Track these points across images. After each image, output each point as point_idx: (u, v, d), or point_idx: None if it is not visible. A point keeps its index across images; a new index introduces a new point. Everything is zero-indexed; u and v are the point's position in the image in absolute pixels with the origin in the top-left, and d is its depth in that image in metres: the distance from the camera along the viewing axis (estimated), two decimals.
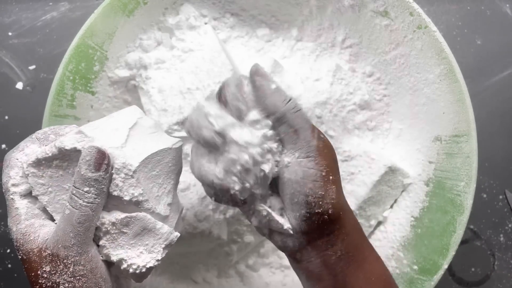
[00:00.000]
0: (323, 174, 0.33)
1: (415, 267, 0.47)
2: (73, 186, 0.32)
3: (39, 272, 0.32)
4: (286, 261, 0.52)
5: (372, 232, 0.51)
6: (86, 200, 0.32)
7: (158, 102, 0.46)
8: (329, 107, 0.48)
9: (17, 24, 0.58)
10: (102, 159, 0.32)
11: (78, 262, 0.32)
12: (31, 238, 0.33)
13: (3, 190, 0.34)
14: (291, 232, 0.34)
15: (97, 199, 0.32)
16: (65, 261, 0.32)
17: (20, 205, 0.34)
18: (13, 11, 0.59)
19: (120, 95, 0.50)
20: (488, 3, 0.60)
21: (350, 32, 0.50)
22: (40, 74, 0.57)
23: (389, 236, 0.50)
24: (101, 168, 0.32)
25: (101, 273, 0.33)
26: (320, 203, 0.33)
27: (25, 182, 0.34)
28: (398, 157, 0.50)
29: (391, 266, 0.48)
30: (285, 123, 0.33)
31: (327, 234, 0.34)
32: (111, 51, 0.48)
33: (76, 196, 0.32)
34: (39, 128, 0.45)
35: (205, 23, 0.49)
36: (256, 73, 0.34)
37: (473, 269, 0.56)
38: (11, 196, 0.34)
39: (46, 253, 0.32)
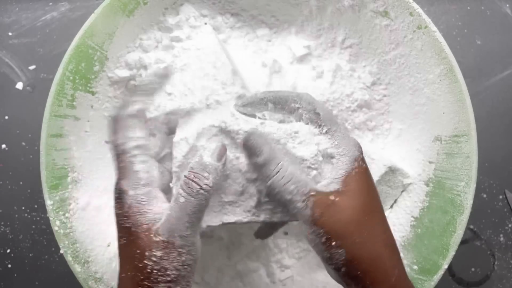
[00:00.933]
0: (322, 240, 0.33)
1: (415, 267, 0.47)
2: (190, 171, 0.33)
3: (146, 253, 0.32)
4: (286, 261, 0.52)
5: None
6: (203, 184, 0.32)
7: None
8: (328, 107, 0.48)
9: (17, 24, 0.58)
10: (224, 152, 0.35)
11: (190, 252, 0.33)
12: (144, 210, 0.33)
13: (118, 151, 0.34)
14: None
15: (212, 188, 0.33)
16: (180, 250, 0.32)
17: (140, 169, 0.34)
18: (13, 11, 0.59)
19: (120, 95, 0.50)
20: (488, 3, 0.60)
21: (350, 32, 0.50)
22: (40, 74, 0.57)
23: None
24: (222, 159, 0.34)
25: (198, 262, 0.34)
26: (332, 262, 0.33)
27: (146, 144, 0.35)
28: (398, 157, 0.50)
29: None
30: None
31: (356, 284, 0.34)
32: (111, 51, 0.48)
33: (194, 181, 0.32)
34: (39, 128, 0.45)
35: (205, 23, 0.49)
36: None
37: (473, 269, 0.56)
38: (131, 159, 0.34)
39: (158, 239, 0.32)
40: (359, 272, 0.33)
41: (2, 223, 0.56)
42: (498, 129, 0.58)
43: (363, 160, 0.37)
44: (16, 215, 0.56)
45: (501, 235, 0.56)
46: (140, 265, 0.32)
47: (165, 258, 0.32)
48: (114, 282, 0.46)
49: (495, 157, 0.57)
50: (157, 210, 0.33)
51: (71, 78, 0.46)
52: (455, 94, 0.45)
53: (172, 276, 0.32)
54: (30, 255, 0.56)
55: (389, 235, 0.35)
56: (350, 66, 0.51)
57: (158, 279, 0.32)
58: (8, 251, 0.56)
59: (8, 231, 0.56)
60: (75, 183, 0.47)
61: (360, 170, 0.36)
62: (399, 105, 0.51)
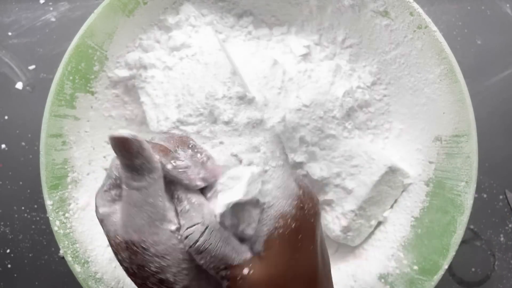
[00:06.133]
0: None
1: (415, 267, 0.47)
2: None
3: (119, 257, 0.30)
4: None
5: (372, 232, 0.51)
6: (135, 183, 0.29)
7: (158, 102, 0.46)
8: (329, 107, 0.47)
9: (17, 24, 0.58)
10: (122, 146, 0.28)
11: (158, 243, 0.29)
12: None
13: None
14: None
15: (143, 180, 0.29)
16: (142, 244, 0.29)
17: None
18: (13, 11, 0.59)
19: (120, 95, 0.50)
20: (488, 3, 0.60)
21: (350, 32, 0.50)
22: (40, 74, 0.57)
23: (389, 236, 0.50)
24: (127, 155, 0.28)
25: (180, 252, 0.30)
26: None
27: None
28: (398, 157, 0.50)
29: (391, 266, 0.48)
30: None
31: None
32: (111, 51, 0.48)
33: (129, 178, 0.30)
34: (39, 128, 0.45)
35: (205, 23, 0.49)
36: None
37: (473, 269, 0.56)
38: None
39: (118, 240, 0.30)
40: None
41: (2, 223, 0.56)
42: (498, 129, 0.58)
43: (293, 217, 0.30)
44: (16, 215, 0.56)
45: (502, 235, 0.56)
46: (124, 268, 0.31)
47: (133, 256, 0.30)
48: (114, 282, 0.46)
49: (495, 157, 0.57)
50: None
51: (70, 78, 0.46)
52: (455, 94, 0.45)
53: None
54: (30, 255, 0.55)
55: None
56: (350, 66, 0.51)
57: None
58: (8, 251, 0.56)
59: (8, 231, 0.56)
60: (75, 183, 0.47)
61: (286, 230, 0.29)
62: (399, 105, 0.50)
